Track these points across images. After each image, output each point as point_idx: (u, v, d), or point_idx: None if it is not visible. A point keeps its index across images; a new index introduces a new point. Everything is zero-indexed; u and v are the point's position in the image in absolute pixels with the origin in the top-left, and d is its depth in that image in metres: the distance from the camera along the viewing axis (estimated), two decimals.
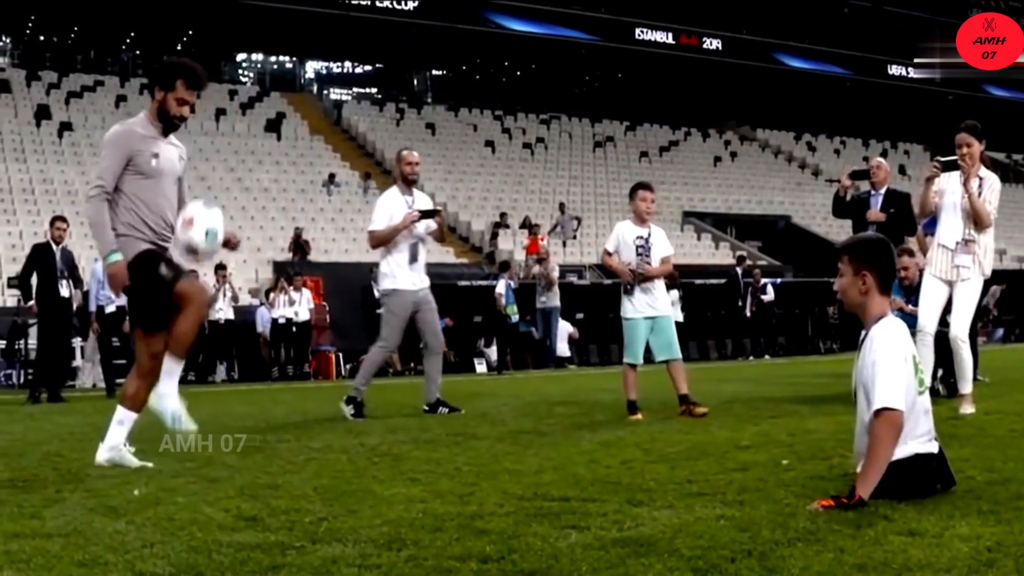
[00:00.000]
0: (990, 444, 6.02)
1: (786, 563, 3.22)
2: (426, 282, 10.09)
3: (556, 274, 23.60)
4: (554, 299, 23.04)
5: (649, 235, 9.14)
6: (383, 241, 9.95)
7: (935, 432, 4.48)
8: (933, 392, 9.37)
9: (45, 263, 14.60)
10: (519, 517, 4.13)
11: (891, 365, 4.26)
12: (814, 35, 50.30)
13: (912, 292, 9.64)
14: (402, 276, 9.93)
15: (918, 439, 4.31)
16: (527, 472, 5.51)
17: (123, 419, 6.32)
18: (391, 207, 10.01)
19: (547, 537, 3.72)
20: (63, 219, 15.20)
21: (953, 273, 8.22)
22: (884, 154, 46.66)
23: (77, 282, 15.11)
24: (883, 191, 10.51)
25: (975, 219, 8.14)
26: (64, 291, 14.61)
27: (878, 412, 4.18)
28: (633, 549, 3.48)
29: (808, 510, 4.05)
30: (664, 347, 9.12)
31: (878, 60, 52.14)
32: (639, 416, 8.74)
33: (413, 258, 10.00)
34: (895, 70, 52.89)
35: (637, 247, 9.09)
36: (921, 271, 9.71)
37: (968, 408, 7.93)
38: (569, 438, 7.34)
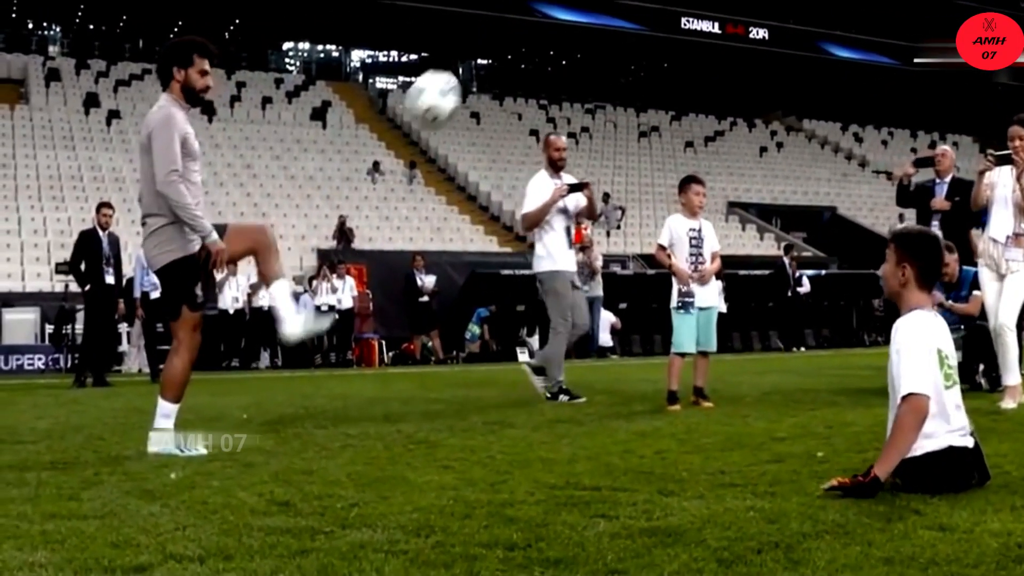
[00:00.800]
0: None
1: (812, 555, 3.20)
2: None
3: (599, 263, 23.51)
4: (597, 288, 22.89)
5: (700, 228, 9.13)
6: (536, 220, 10.02)
7: (971, 427, 4.45)
8: (976, 387, 9.37)
9: (91, 249, 14.79)
10: (549, 506, 4.14)
11: (914, 353, 4.30)
12: (861, 24, 49.82)
13: (952, 288, 9.53)
14: (561, 257, 10.05)
15: (952, 433, 4.28)
16: (560, 461, 5.51)
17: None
18: (541, 189, 10.06)
19: (575, 526, 3.73)
20: (109, 205, 15.39)
21: (1004, 266, 8.16)
22: (932, 145, 46.17)
23: (119, 269, 15.23)
24: (948, 180, 10.33)
25: None
26: (109, 277, 14.78)
27: (904, 398, 4.21)
28: (660, 539, 3.47)
29: (823, 488, 4.08)
30: (705, 338, 9.16)
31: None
32: (678, 407, 8.73)
33: (570, 242, 10.16)
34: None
35: (691, 239, 9.07)
36: (962, 267, 9.63)
37: (1010, 403, 7.84)
38: (605, 428, 7.34)
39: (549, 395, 9.95)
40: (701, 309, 9.07)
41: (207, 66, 6.33)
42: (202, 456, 5.95)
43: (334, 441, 6.72)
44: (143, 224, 6.35)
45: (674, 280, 9.10)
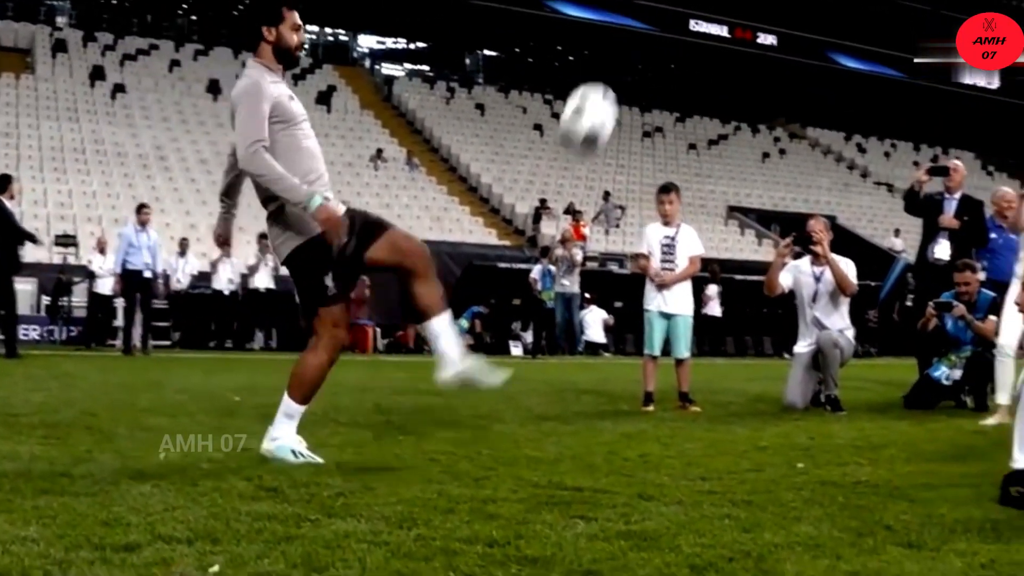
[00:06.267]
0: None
1: (781, 566, 3.29)
2: None
3: (580, 257, 23.07)
4: (574, 285, 22.31)
5: (676, 235, 9.34)
6: None
7: None
8: (960, 405, 9.48)
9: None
10: (530, 504, 4.23)
11: None
12: (870, 35, 49.88)
13: (969, 310, 9.53)
14: None
15: None
16: (545, 460, 5.60)
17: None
18: None
19: (555, 525, 3.81)
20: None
21: None
22: (935, 159, 46.28)
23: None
24: (958, 196, 10.34)
25: None
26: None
27: None
28: (636, 543, 3.56)
29: None
30: (673, 345, 9.45)
31: None
32: (651, 408, 9.04)
33: None
34: None
35: (663, 247, 9.35)
36: (981, 287, 9.68)
37: (992, 420, 7.96)
38: (591, 428, 7.44)
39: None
40: (667, 316, 9.29)
41: (298, 19, 5.51)
42: (318, 463, 5.23)
43: (323, 428, 6.81)
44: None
45: (647, 283, 9.45)
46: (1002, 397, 8.24)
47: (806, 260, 9.63)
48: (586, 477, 4.99)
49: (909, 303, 26.59)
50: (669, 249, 9.34)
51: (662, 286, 9.30)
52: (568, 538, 3.61)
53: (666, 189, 9.51)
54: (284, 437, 5.37)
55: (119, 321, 21.24)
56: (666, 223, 9.45)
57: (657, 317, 9.35)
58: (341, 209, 5.41)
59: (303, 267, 5.39)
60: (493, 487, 4.62)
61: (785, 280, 9.56)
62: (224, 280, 21.37)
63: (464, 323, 23.20)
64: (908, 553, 3.51)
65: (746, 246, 35.96)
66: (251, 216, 27.83)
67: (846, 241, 38.90)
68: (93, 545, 3.31)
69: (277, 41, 5.48)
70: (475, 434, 6.80)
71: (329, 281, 5.34)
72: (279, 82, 5.48)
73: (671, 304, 9.33)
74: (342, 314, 5.48)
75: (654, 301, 9.37)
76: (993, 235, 11.02)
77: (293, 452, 5.30)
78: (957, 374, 9.53)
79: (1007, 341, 8.24)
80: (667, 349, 9.49)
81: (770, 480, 5.03)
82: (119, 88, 35.22)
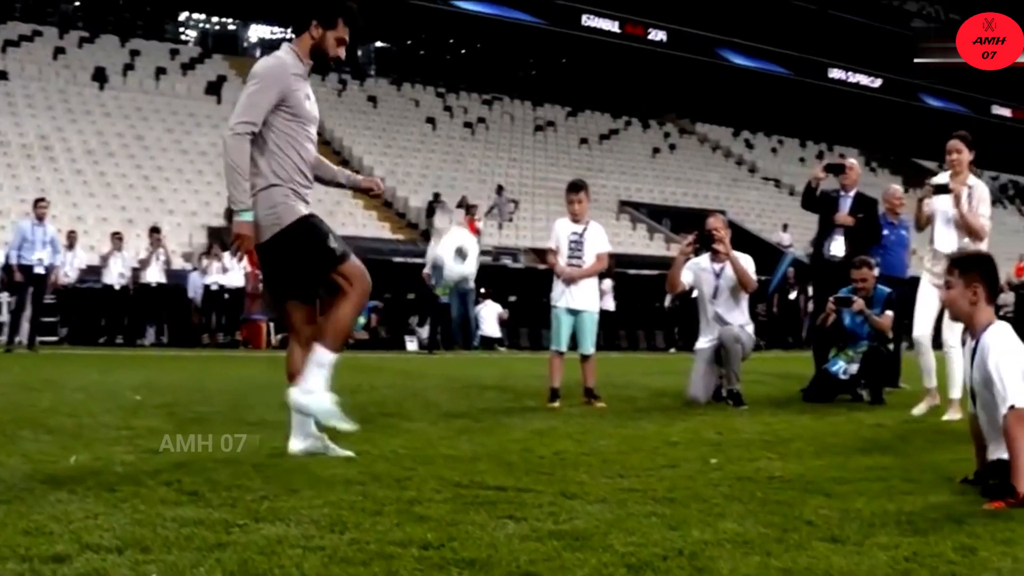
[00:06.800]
0: (911, 452, 6.22)
1: (715, 564, 3.35)
2: None
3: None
4: (469, 280, 22.40)
5: (584, 231, 9.41)
6: None
7: None
8: (857, 398, 9.72)
9: None
10: (457, 505, 4.23)
11: (1014, 365, 4.57)
12: (758, 33, 50.82)
13: (868, 304, 9.75)
14: None
15: None
16: (462, 458, 5.61)
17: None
18: None
19: (485, 526, 3.82)
20: None
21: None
22: (820, 155, 47.41)
23: None
24: (852, 193, 10.58)
25: (969, 232, 8.31)
26: None
27: (1011, 411, 4.47)
28: (568, 542, 3.59)
29: (984, 509, 4.26)
30: (579, 341, 9.52)
31: (819, 62, 52.85)
32: (557, 404, 9.09)
33: None
34: (835, 73, 53.69)
35: (571, 243, 9.43)
36: (876, 285, 9.94)
37: (954, 415, 8.03)
38: (502, 425, 7.46)
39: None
40: (574, 312, 9.36)
41: (347, 36, 5.74)
42: (349, 429, 5.60)
43: (233, 428, 6.71)
44: None
45: (554, 279, 9.52)
46: (954, 392, 8.20)
47: (706, 257, 9.77)
48: (506, 476, 5.01)
49: (792, 296, 27.35)
50: (577, 246, 9.41)
51: (569, 282, 9.36)
52: (501, 539, 3.63)
53: (575, 188, 9.58)
54: (318, 391, 5.54)
55: (3, 316, 20.71)
56: (575, 220, 9.51)
57: (564, 313, 9.40)
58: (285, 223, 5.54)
59: (302, 243, 5.55)
60: (416, 488, 4.62)
61: (686, 277, 9.69)
62: (115, 274, 20.92)
63: (360, 319, 23.04)
64: (834, 548, 3.60)
65: (638, 240, 36.33)
66: (140, 208, 27.41)
67: (735, 236, 39.62)
68: (19, 556, 3.22)
69: (319, 42, 5.68)
70: (387, 433, 6.76)
71: (333, 242, 5.56)
72: (302, 77, 5.66)
73: (578, 300, 9.40)
74: (361, 265, 5.69)
75: (561, 297, 9.41)
76: (885, 232, 11.33)
77: (330, 413, 5.54)
78: (854, 368, 9.77)
79: (922, 331, 8.44)
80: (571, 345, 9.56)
81: (687, 476, 5.11)
82: (1, 75, 34.16)
